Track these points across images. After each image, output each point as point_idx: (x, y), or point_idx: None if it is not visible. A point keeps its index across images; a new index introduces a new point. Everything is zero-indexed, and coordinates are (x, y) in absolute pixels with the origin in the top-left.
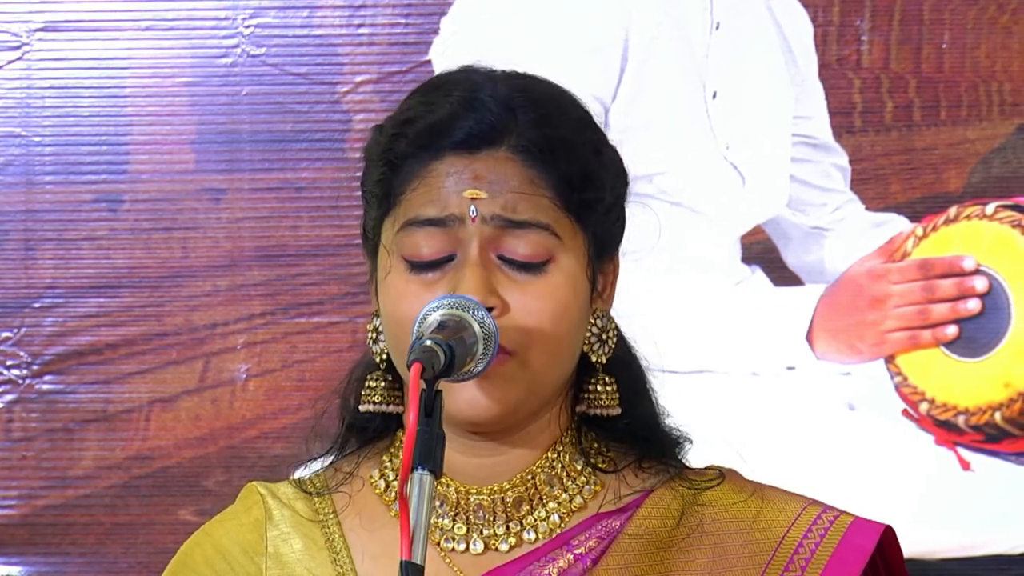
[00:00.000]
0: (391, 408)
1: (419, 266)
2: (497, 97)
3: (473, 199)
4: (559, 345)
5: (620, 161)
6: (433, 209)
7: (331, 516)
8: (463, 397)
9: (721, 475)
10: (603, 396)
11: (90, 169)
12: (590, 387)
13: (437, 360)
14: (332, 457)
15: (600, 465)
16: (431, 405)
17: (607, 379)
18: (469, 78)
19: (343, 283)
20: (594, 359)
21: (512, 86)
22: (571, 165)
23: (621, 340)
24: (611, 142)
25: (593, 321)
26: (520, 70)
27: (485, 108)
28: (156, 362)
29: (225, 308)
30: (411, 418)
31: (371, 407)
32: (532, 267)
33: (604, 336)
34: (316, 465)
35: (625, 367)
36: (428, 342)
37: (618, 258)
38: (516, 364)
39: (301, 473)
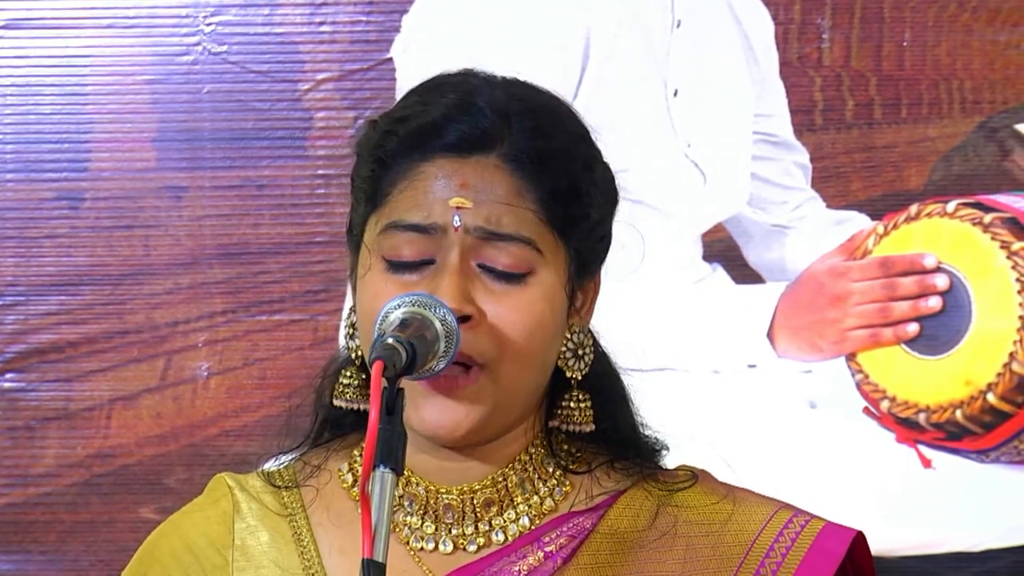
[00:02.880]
0: (364, 406)
1: (398, 266)
2: (493, 103)
3: (458, 208)
4: (531, 360)
5: (612, 179)
6: (418, 215)
7: (299, 510)
8: (428, 414)
9: (694, 476)
10: (576, 413)
11: (51, 167)
12: (563, 404)
13: (399, 358)
14: (301, 450)
15: (571, 466)
16: (393, 403)
17: (581, 396)
18: (467, 81)
19: (304, 281)
20: (569, 375)
21: (510, 93)
22: (560, 179)
23: (600, 353)
24: (605, 160)
25: (569, 336)
26: (521, 78)
27: (480, 113)
28: (117, 360)
29: (186, 306)
30: (372, 416)
31: (343, 403)
32: (511, 277)
33: (580, 352)
34: (285, 458)
35: (602, 379)
36: (390, 340)
37: (599, 276)
38: (486, 379)
39: (270, 466)
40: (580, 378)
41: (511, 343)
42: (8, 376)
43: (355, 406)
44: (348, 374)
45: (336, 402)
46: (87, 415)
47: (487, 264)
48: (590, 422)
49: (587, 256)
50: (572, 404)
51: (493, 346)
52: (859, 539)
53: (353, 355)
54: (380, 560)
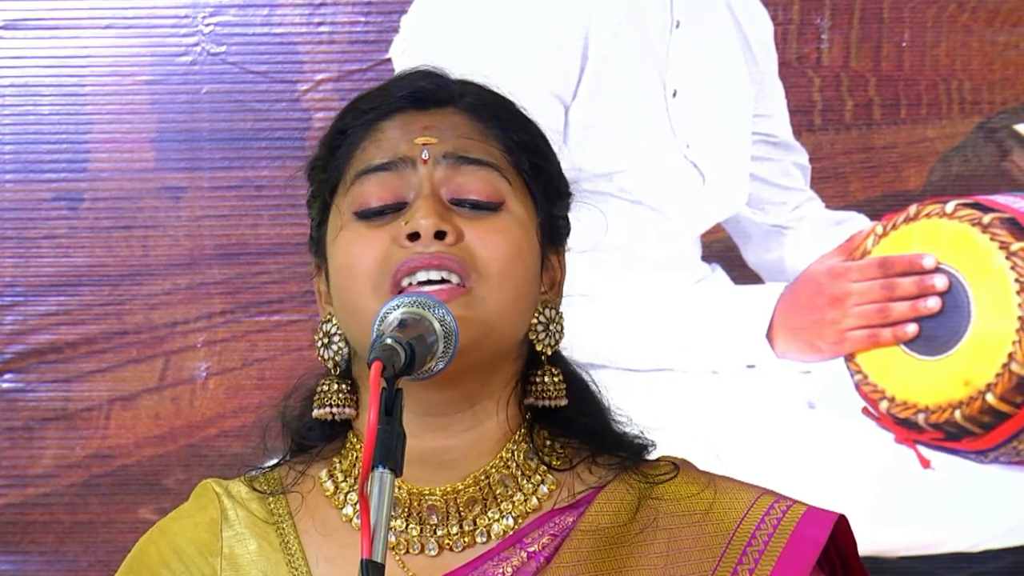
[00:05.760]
0: (347, 411)
1: (368, 214)
2: (448, 75)
3: (424, 144)
4: (514, 285)
5: (562, 172)
6: (384, 156)
7: (286, 518)
8: None
9: (675, 467)
10: (551, 388)
11: (50, 167)
12: (537, 379)
13: (397, 358)
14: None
15: (555, 463)
16: (391, 404)
17: (553, 370)
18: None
19: (303, 281)
20: (539, 348)
21: (465, 79)
22: (519, 130)
23: (565, 360)
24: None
25: (541, 311)
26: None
27: (437, 75)
28: (116, 360)
29: (185, 306)
30: (372, 416)
31: (326, 410)
32: (485, 206)
33: (551, 327)
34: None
35: (573, 379)
36: (388, 340)
37: (564, 258)
38: (472, 298)
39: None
40: (549, 353)
41: (494, 262)
42: (7, 376)
43: (337, 413)
44: (328, 381)
45: (316, 412)
46: (86, 416)
47: (460, 196)
48: (563, 396)
49: (554, 221)
50: (547, 379)
51: (475, 262)
52: (841, 522)
53: (330, 364)
54: (379, 561)
